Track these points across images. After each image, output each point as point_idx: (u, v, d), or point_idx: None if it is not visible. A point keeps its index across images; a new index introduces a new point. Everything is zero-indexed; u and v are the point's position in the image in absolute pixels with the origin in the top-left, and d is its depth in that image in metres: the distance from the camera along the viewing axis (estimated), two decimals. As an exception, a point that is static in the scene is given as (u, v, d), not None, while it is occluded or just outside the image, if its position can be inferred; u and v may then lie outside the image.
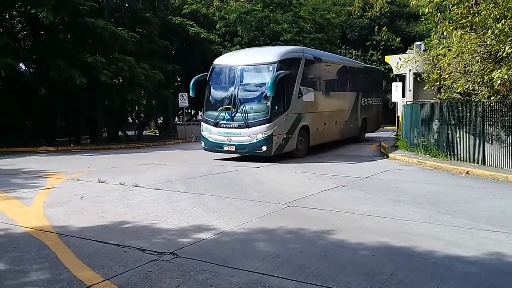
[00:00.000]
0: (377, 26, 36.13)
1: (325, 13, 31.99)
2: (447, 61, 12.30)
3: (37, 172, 10.08)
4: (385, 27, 35.83)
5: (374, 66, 26.07)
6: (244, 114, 12.23)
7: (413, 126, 14.40)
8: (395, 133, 19.19)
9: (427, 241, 4.92)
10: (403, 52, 22.01)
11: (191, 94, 13.83)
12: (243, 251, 4.58)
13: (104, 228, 5.35)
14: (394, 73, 18.33)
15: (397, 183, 8.85)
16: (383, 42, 35.27)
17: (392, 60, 19.04)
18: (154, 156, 14.36)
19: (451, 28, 11.40)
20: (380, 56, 33.52)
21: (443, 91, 13.76)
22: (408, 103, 16.53)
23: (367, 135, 20.26)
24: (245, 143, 12.29)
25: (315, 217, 6.02)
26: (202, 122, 13.53)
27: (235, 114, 12.34)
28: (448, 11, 13.44)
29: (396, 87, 17.04)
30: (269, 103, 12.20)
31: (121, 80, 20.19)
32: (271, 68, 12.49)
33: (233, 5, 25.81)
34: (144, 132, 26.41)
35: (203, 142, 13.21)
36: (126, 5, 18.74)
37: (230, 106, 12.37)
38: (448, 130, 12.07)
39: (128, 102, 22.19)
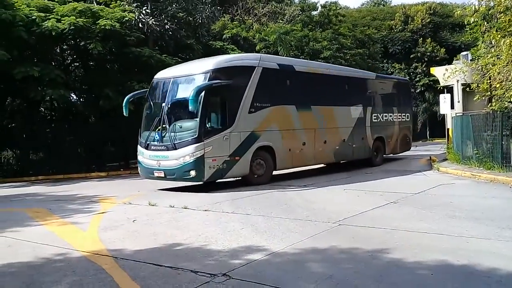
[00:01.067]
0: (420, 38, 35.53)
1: (365, 29, 31.81)
2: (497, 70, 11.88)
3: (90, 197, 10.42)
4: (429, 38, 35.18)
5: (396, 77, 24.09)
6: (172, 134, 10.67)
7: (464, 138, 13.89)
8: (445, 146, 18.43)
9: (489, 258, 4.67)
10: (449, 63, 21.32)
11: (124, 113, 12.34)
12: (296, 272, 4.51)
13: (157, 251, 5.42)
14: (441, 84, 17.85)
15: (451, 198, 8.52)
16: (428, 54, 34.60)
17: (438, 71, 18.58)
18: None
19: (499, 36, 11.07)
20: (425, 68, 32.83)
21: (494, 100, 13.24)
22: (457, 114, 15.99)
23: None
24: (173, 168, 10.56)
25: (367, 235, 5.87)
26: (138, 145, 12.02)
27: (164, 135, 10.81)
28: (495, 20, 13.02)
29: (444, 98, 16.59)
30: (197, 119, 10.43)
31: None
32: (202, 78, 10.81)
33: (272, 27, 26.15)
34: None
35: (139, 168, 11.95)
36: (170, 33, 19.34)
37: (159, 126, 10.92)
38: (503, 141, 11.55)
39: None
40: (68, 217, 7.87)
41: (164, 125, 10.81)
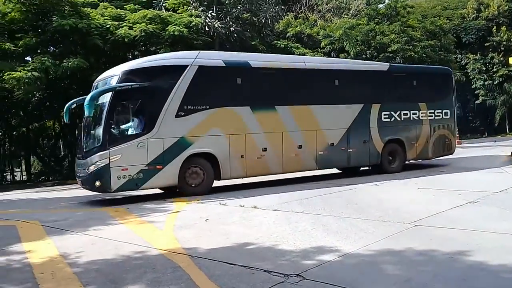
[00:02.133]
0: (494, 27, 33.38)
1: (435, 19, 30.38)
2: None
3: (164, 197, 10.82)
4: (503, 26, 32.96)
5: (429, 67, 19.64)
6: (84, 142, 10.34)
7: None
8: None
9: None
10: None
11: (65, 120, 11.87)
12: (371, 274, 4.40)
13: (230, 250, 5.52)
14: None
15: (538, 197, 7.91)
16: (504, 43, 32.39)
17: (518, 61, 17.22)
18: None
19: None
20: (502, 58, 30.80)
21: None
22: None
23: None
24: (85, 177, 10.10)
25: (446, 237, 5.59)
26: None
27: (82, 143, 10.53)
28: None
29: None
30: (102, 126, 9.82)
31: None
32: (112, 81, 10.12)
33: (337, 22, 25.75)
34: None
35: None
36: (235, 35, 19.67)
37: (81, 133, 10.58)
38: None
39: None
40: (145, 216, 8.23)
41: (82, 132, 10.69)
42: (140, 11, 18.28)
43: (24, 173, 24.69)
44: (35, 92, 18.55)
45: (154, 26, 17.40)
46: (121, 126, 10.25)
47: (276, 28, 24.81)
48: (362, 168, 13.94)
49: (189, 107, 10.51)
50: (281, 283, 4.22)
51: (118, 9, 18.83)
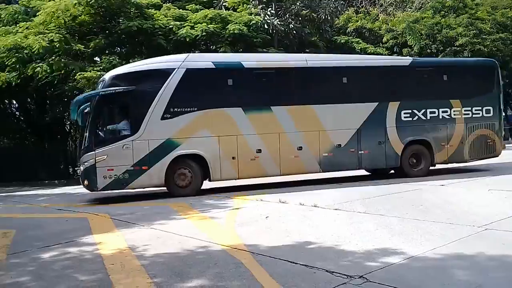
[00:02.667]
0: None
1: (506, 11, 28.62)
2: None
3: (224, 193, 11.00)
4: None
5: (465, 59, 17.79)
6: (81, 143, 11.00)
7: None
8: None
9: None
10: None
11: (72, 118, 12.05)
12: (439, 279, 4.23)
13: (291, 248, 5.51)
14: None
15: None
16: None
17: None
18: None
19: None
20: None
21: None
22: None
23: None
24: (79, 176, 10.81)
25: (521, 242, 5.27)
26: None
27: (81, 143, 11.22)
28: None
29: None
30: (89, 129, 10.55)
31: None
32: (99, 86, 10.71)
33: (400, 16, 24.91)
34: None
35: None
36: (294, 32, 19.60)
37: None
38: None
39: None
40: (206, 212, 8.42)
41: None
42: (201, 11, 18.65)
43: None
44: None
45: (215, 26, 17.71)
46: (107, 129, 10.88)
47: (336, 23, 24.45)
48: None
49: (175, 109, 10.76)
50: (344, 284, 4.16)
51: (181, 10, 19.33)
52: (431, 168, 12.72)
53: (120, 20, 17.94)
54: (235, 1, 19.59)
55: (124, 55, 18.80)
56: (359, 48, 23.01)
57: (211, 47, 19.45)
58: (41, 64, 16.41)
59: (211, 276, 4.55)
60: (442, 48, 24.38)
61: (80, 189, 13.68)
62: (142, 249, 5.78)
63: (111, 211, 8.93)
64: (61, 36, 16.82)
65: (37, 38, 16.31)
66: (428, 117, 12.50)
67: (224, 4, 19.97)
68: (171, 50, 18.69)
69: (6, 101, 26.80)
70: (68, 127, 27.64)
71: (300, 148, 11.60)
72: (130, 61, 17.07)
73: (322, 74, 12.06)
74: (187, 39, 17.34)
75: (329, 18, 20.59)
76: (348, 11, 25.70)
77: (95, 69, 16.65)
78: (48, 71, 16.27)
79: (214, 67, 11.31)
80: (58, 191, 14.70)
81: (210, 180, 11.29)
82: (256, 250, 5.43)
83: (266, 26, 18.75)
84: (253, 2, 19.72)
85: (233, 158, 11.15)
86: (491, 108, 13.01)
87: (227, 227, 6.96)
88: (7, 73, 17.50)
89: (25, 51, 16.73)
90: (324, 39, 22.11)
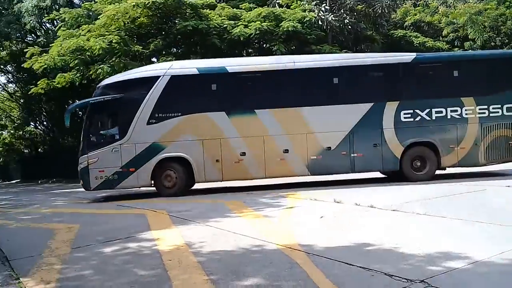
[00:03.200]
0: None
1: None
2: None
3: (278, 192, 10.98)
4: None
5: (481, 52, 15.57)
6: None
7: None
8: None
9: None
10: None
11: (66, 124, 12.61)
12: (506, 285, 4.01)
13: (347, 249, 5.39)
14: None
15: None
16: None
17: None
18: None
19: None
20: None
21: None
22: None
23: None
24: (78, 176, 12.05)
25: None
26: None
27: None
28: None
29: None
30: (82, 134, 11.86)
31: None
32: (93, 95, 11.96)
33: (461, 8, 23.80)
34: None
35: None
36: (349, 27, 19.20)
37: None
38: None
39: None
40: (260, 210, 8.43)
41: None
42: (255, 9, 18.72)
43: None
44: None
45: (268, 24, 17.71)
46: (98, 133, 12.00)
47: (393, 17, 23.73)
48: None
49: (160, 114, 11.46)
50: (404, 288, 4.01)
51: (235, 9, 19.52)
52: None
53: (176, 21, 18.37)
54: (288, -2, 19.52)
55: (179, 55, 19.24)
56: (418, 42, 22.20)
57: (265, 45, 19.49)
58: (102, 66, 17.13)
59: (266, 275, 4.53)
60: (507, 41, 23.02)
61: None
62: (198, 245, 5.87)
63: (168, 208, 9.16)
64: (120, 37, 17.47)
65: (98, 40, 17.04)
66: (434, 117, 11.71)
67: (277, 1, 19.91)
68: (225, 49, 18.93)
69: (70, 101, 28.30)
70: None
71: (286, 151, 11.65)
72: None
73: (311, 75, 11.87)
74: (241, 38, 17.47)
75: (385, 12, 19.99)
76: (405, 4, 24.89)
77: (153, 69, 17.14)
78: (109, 72, 16.96)
79: (198, 72, 11.80)
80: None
81: (195, 182, 11.94)
82: (311, 250, 5.35)
83: (320, 23, 18.52)
84: (307, -2, 19.55)
85: (217, 160, 11.61)
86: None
87: (282, 226, 6.92)
88: (72, 74, 18.43)
89: (87, 53, 17.53)
90: (380, 33, 21.51)
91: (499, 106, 11.66)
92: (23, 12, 24.18)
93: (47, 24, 27.66)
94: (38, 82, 19.84)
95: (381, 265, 4.65)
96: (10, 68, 33.47)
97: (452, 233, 5.89)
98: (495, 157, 11.77)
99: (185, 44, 20.41)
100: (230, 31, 17.79)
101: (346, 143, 11.68)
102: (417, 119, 11.68)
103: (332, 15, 18.62)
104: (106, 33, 17.84)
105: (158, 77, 11.64)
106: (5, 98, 39.06)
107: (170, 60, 17.32)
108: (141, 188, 12.31)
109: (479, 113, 11.67)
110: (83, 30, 18.82)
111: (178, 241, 6.18)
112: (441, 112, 11.67)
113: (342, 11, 19.45)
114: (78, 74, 18.33)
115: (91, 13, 20.75)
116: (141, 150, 11.47)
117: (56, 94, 19.10)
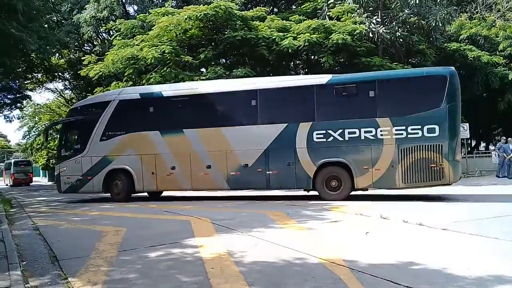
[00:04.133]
0: None
1: None
2: None
3: (322, 205, 10.84)
4: None
5: (400, 71, 14.71)
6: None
7: None
8: None
9: None
10: None
11: (43, 139, 18.30)
12: None
13: (393, 267, 5.21)
14: None
15: None
16: None
17: None
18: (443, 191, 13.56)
19: None
20: None
21: None
22: None
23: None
24: None
25: None
26: None
27: None
28: None
29: None
30: (57, 146, 15.87)
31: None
32: (66, 116, 15.71)
33: (520, 22, 22.78)
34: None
35: None
36: (401, 40, 18.77)
37: None
38: None
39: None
40: (303, 223, 8.34)
41: None
42: (305, 21, 18.69)
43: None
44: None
45: (318, 36, 17.63)
46: (67, 147, 15.12)
47: (447, 30, 23.01)
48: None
49: (110, 133, 13.83)
50: (453, 311, 3.81)
51: (284, 21, 19.58)
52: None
53: (226, 32, 18.67)
54: (339, 10, 19.31)
55: (228, 66, 19.51)
56: (472, 56, 21.38)
57: (313, 57, 19.41)
58: (154, 75, 17.65)
59: (308, 290, 4.46)
60: None
61: (182, 192, 14.43)
62: (240, 255, 5.87)
63: (212, 216, 9.24)
64: (172, 48, 17.96)
65: (151, 50, 17.61)
66: (347, 138, 11.72)
67: (328, 14, 19.81)
68: (273, 60, 19.03)
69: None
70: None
71: (209, 167, 12.89)
72: (233, 71, 17.67)
73: (232, 98, 13.03)
74: (289, 50, 17.48)
75: (440, 25, 19.40)
76: (461, 17, 24.09)
77: (201, 78, 17.49)
78: (160, 80, 17.44)
79: (139, 97, 13.92)
80: (164, 194, 15.58)
81: (135, 191, 13.85)
82: (355, 266, 5.22)
83: (371, 35, 18.24)
84: (358, 11, 19.30)
85: (152, 173, 13.48)
86: (436, 126, 11.10)
87: (325, 240, 6.80)
88: (125, 82, 19.14)
89: (141, 62, 18.14)
90: (434, 47, 20.89)
91: (419, 127, 11.20)
92: (81, 22, 25.38)
93: (103, 34, 28.86)
94: (94, 90, 20.72)
95: (429, 286, 4.49)
96: (67, 75, 35.13)
97: (506, 255, 5.58)
98: (414, 180, 11.29)
99: (234, 54, 20.68)
100: (278, 42, 17.84)
101: (262, 160, 12.37)
102: (330, 139, 11.84)
103: (383, 28, 18.29)
104: (159, 43, 18.39)
105: (109, 101, 14.04)
106: (62, 104, 41.01)
107: (219, 71, 17.67)
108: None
109: (396, 134, 11.37)
110: (137, 40, 19.50)
111: (221, 249, 6.21)
112: (355, 132, 11.65)
113: (394, 23, 19.06)
114: (130, 83, 19.00)
115: (145, 24, 21.47)
116: (95, 162, 13.94)
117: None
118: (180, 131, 13.26)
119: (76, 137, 15.20)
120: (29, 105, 41.95)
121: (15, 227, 9.37)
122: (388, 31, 18.42)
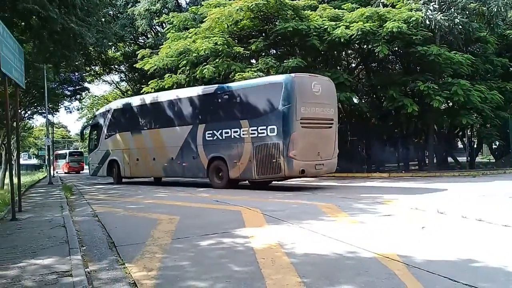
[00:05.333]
0: None
1: None
2: None
3: (374, 198, 10.61)
4: None
5: (252, 82, 14.97)
6: None
7: None
8: None
9: None
10: None
11: (80, 139, 25.60)
12: None
13: (451, 264, 5.01)
14: None
15: None
16: None
17: None
18: (497, 186, 12.95)
19: None
20: None
21: None
22: None
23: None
24: None
25: None
26: None
27: None
28: None
29: None
30: (87, 143, 22.71)
31: (450, 104, 19.38)
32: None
33: None
34: (476, 158, 24.36)
35: None
36: (460, 27, 17.87)
37: None
38: None
39: (459, 127, 21.07)
40: (355, 216, 8.19)
41: None
42: (358, 9, 18.22)
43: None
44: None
45: (371, 24, 17.15)
46: (92, 143, 21.18)
47: (510, 16, 21.71)
48: None
49: (109, 133, 19.44)
50: (518, 312, 3.61)
51: (336, 9, 19.19)
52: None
53: (277, 23, 18.56)
54: (394, -3, 18.69)
55: (278, 57, 19.41)
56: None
57: (366, 46, 18.92)
58: (207, 66, 17.88)
59: (362, 284, 4.36)
60: None
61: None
62: (291, 246, 5.84)
63: (262, 207, 9.27)
64: (224, 39, 18.09)
65: (204, 42, 17.85)
66: (224, 137, 14.55)
67: (382, 1, 19.20)
68: (324, 50, 18.72)
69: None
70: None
71: (154, 159, 17.21)
72: (284, 62, 17.56)
73: (162, 106, 16.93)
74: (341, 39, 17.12)
75: (502, 10, 18.32)
76: (525, 2, 22.63)
77: (252, 69, 17.52)
78: (214, 72, 17.66)
79: (122, 107, 19.28)
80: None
81: (120, 176, 19.02)
82: (410, 262, 5.05)
83: (427, 22, 17.50)
84: (414, -3, 18.60)
85: (128, 163, 18.42)
86: (275, 126, 13.16)
87: (378, 234, 6.63)
88: (179, 74, 19.53)
89: (193, 54, 18.43)
90: (495, 34, 19.78)
91: (265, 127, 13.38)
92: (136, 15, 26.08)
93: (157, 27, 29.57)
94: (149, 82, 21.30)
95: (489, 284, 4.28)
96: (123, 68, 36.35)
97: None
98: (264, 173, 13.55)
99: (284, 45, 20.54)
100: (330, 32, 17.51)
101: (179, 154, 15.99)
102: (215, 138, 14.84)
103: (441, 14, 17.49)
104: (211, 35, 18.59)
105: (109, 110, 19.73)
106: (118, 96, 42.55)
107: (269, 62, 17.64)
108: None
109: (251, 133, 13.73)
110: (190, 33, 19.81)
111: (272, 240, 6.21)
112: (228, 132, 14.41)
113: (452, 9, 18.18)
114: (184, 75, 19.36)
115: (196, 16, 21.78)
116: (103, 154, 19.70)
117: (157, 87, 20.59)
118: (139, 132, 17.94)
119: (95, 136, 20.61)
120: (87, 96, 43.84)
121: (75, 213, 9.85)
122: (446, 18, 17.61)
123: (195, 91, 16.15)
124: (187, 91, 16.55)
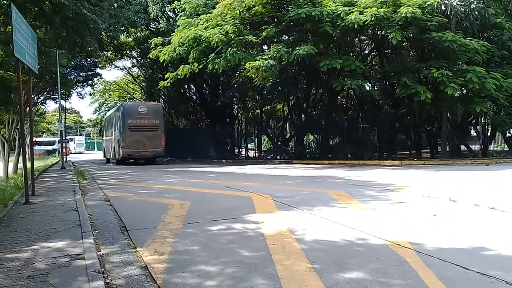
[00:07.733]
0: None
1: None
2: None
3: (386, 185, 10.56)
4: None
5: None
6: None
7: None
8: None
9: None
10: None
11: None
12: None
13: (462, 252, 4.97)
14: None
15: None
16: None
17: None
18: (511, 174, 12.81)
19: None
20: None
21: None
22: None
23: None
24: None
25: None
26: None
27: None
28: None
29: None
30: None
31: (464, 92, 19.11)
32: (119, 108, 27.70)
33: None
34: (489, 146, 24.11)
35: None
36: (476, 12, 17.51)
37: None
38: None
39: (473, 115, 20.80)
40: (366, 203, 8.16)
41: None
42: (373, -6, 17.92)
43: (256, 150, 27.60)
44: (269, 78, 20.34)
45: (385, 10, 16.88)
46: (102, 132, 29.21)
47: (528, 2, 21.21)
48: None
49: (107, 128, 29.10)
50: (530, 301, 3.58)
51: (350, -6, 18.90)
52: None
53: (289, 8, 18.36)
54: (408, -18, 18.33)
55: (290, 43, 19.24)
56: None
57: (380, 32, 18.66)
58: (218, 60, 17.79)
59: (372, 271, 4.35)
60: None
61: (244, 169, 14.61)
62: (301, 233, 5.85)
63: (273, 193, 9.29)
64: (235, 28, 17.94)
65: (215, 31, 17.72)
66: (110, 137, 27.19)
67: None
68: (337, 36, 18.50)
69: (185, 86, 29.97)
70: (236, 112, 29.79)
71: (114, 148, 26.46)
72: (296, 49, 17.39)
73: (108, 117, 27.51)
74: (355, 25, 16.88)
75: (520, -6, 17.93)
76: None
77: (263, 57, 17.40)
78: (225, 65, 17.62)
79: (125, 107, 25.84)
80: (225, 170, 15.89)
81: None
82: (421, 249, 5.03)
83: (443, 8, 17.18)
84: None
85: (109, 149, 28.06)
86: (118, 131, 24.84)
87: (389, 221, 6.60)
88: (190, 65, 19.43)
89: (204, 43, 18.32)
90: (512, 20, 19.41)
91: (117, 131, 25.52)
92: (148, 1, 26.00)
93: (169, 13, 29.45)
94: (165, 76, 21.17)
95: (502, 273, 4.22)
96: (134, 54, 36.38)
97: None
98: (116, 155, 25.99)
99: (297, 31, 20.34)
100: (344, 18, 17.27)
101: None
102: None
103: (457, 0, 17.17)
104: (223, 22, 18.44)
105: (120, 107, 24.86)
106: (129, 81, 42.67)
107: (281, 49, 17.47)
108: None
109: (114, 134, 25.92)
110: (201, 20, 19.68)
111: (282, 226, 6.22)
112: (109, 135, 28.71)
113: (468, -5, 17.84)
114: (197, 64, 19.25)
115: (208, 2, 21.62)
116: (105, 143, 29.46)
117: (173, 80, 20.52)
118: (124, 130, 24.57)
119: (103, 128, 27.60)
120: (99, 82, 44.06)
121: (87, 197, 9.96)
122: (462, 3, 17.26)
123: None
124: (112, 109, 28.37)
